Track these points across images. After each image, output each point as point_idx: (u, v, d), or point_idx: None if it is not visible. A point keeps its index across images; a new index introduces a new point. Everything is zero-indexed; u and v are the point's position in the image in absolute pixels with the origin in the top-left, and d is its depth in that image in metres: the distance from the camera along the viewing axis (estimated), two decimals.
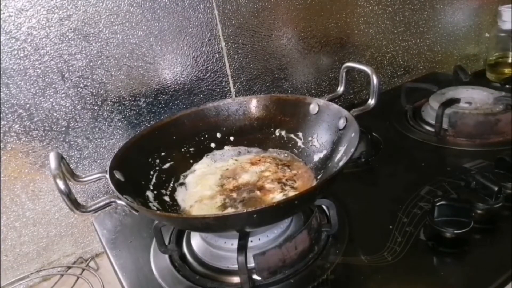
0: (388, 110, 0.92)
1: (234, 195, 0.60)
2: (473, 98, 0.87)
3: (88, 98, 0.69)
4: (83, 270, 0.72)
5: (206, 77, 0.80)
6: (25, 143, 0.65)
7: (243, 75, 0.84)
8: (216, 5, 0.75)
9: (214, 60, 0.79)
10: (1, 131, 0.63)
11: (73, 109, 0.68)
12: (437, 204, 0.54)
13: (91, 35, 0.66)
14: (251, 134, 0.70)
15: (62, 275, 0.72)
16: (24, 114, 0.64)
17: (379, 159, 0.76)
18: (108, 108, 0.71)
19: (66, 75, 0.66)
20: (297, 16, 0.87)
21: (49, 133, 0.67)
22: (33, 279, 0.72)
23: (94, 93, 0.69)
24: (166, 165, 0.64)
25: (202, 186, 0.63)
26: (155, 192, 0.59)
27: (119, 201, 0.48)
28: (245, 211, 0.43)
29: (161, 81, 0.75)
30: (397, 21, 1.02)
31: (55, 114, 0.67)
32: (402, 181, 0.68)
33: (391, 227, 0.57)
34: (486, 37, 1.17)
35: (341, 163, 0.53)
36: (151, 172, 0.61)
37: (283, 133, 0.69)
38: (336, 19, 0.93)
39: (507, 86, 0.95)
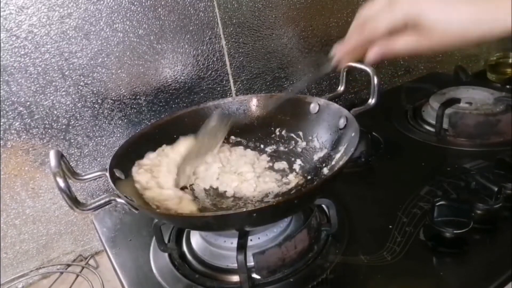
0: (388, 110, 0.92)
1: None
2: (474, 98, 0.87)
3: (88, 96, 0.69)
4: (83, 268, 0.73)
5: (206, 75, 0.79)
6: (25, 141, 0.65)
7: (244, 74, 0.84)
8: (217, 4, 0.75)
9: (215, 59, 0.79)
10: (1, 129, 0.63)
11: (73, 107, 0.68)
12: (437, 204, 0.54)
13: (91, 33, 0.66)
14: (251, 133, 0.70)
15: (61, 273, 0.72)
16: (25, 111, 0.64)
17: (379, 159, 0.76)
18: (108, 106, 0.71)
19: (66, 73, 0.65)
20: (298, 15, 0.87)
21: (49, 131, 0.67)
22: (32, 277, 0.72)
23: (95, 91, 0.69)
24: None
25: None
26: None
27: (119, 199, 0.48)
28: (244, 210, 0.43)
29: (162, 80, 0.75)
30: None
31: (55, 112, 0.67)
32: (402, 181, 0.68)
33: (390, 227, 0.57)
34: None
35: (341, 163, 0.53)
36: None
37: (283, 132, 0.69)
38: (337, 19, 0.93)
39: (508, 86, 0.95)
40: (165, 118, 0.67)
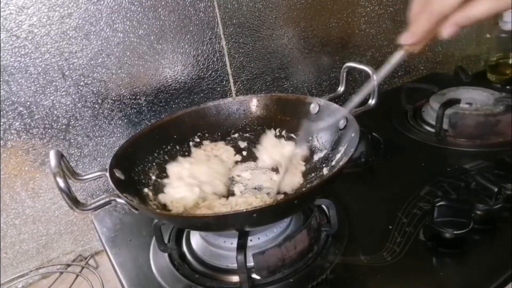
0: (388, 110, 0.92)
1: None
2: (474, 98, 0.87)
3: (88, 96, 0.69)
4: (83, 268, 0.73)
5: (206, 76, 0.79)
6: (25, 141, 0.65)
7: (244, 74, 0.84)
8: (217, 4, 0.75)
9: (215, 59, 0.79)
10: (1, 129, 0.63)
11: (73, 107, 0.68)
12: (437, 204, 0.54)
13: (92, 33, 0.66)
14: (251, 133, 0.70)
15: (61, 272, 0.72)
16: (25, 111, 0.64)
17: (379, 159, 0.76)
18: (108, 106, 0.71)
19: (66, 73, 0.65)
20: (298, 16, 0.87)
21: (49, 131, 0.67)
22: (32, 277, 0.72)
23: (95, 91, 0.69)
24: (166, 164, 0.64)
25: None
26: (155, 190, 0.59)
27: (119, 200, 0.48)
28: (244, 210, 0.43)
29: (162, 80, 0.75)
30: (398, 21, 1.02)
31: (55, 112, 0.67)
32: (402, 181, 0.68)
33: (390, 227, 0.57)
34: (487, 38, 1.17)
35: (341, 163, 0.53)
36: (151, 171, 0.61)
37: (283, 132, 0.69)
38: (337, 19, 0.93)
39: (508, 87, 0.95)
40: (165, 118, 0.67)
